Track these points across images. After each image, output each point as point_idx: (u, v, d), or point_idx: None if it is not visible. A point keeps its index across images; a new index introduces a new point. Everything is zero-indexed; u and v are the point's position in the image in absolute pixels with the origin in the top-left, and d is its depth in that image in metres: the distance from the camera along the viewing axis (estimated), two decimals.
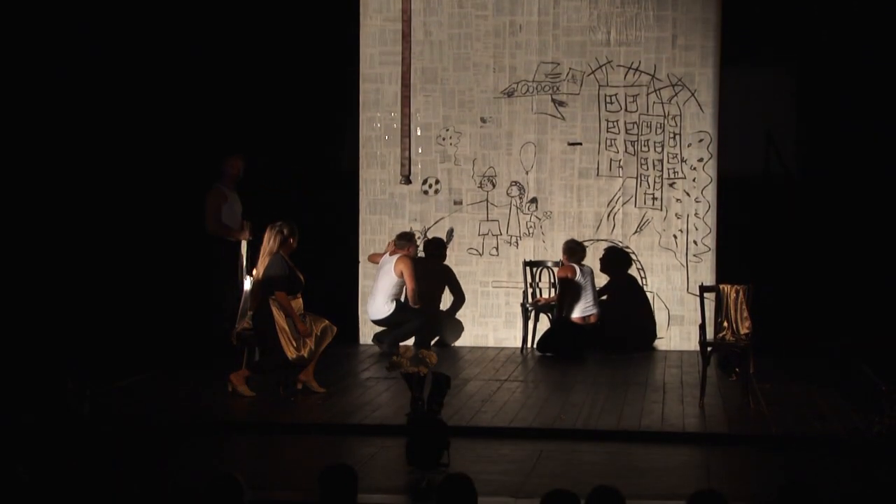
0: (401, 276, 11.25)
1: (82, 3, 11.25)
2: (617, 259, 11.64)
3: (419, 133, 12.02)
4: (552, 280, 11.65)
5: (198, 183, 11.26)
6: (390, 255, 11.40)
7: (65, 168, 11.33)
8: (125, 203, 11.55)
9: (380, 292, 11.31)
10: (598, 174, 11.83)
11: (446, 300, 11.97)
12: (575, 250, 11.40)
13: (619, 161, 11.76)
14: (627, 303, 11.54)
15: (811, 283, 11.51)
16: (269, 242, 9.22)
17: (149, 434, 8.27)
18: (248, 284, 9.57)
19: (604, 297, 11.58)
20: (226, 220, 10.94)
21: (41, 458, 7.37)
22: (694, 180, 11.65)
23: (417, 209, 12.00)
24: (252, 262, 10.00)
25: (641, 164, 11.71)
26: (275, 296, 9.13)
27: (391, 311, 11.29)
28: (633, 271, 11.69)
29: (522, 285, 11.64)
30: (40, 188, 11.17)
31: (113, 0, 11.43)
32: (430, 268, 11.66)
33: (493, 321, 11.88)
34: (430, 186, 12.03)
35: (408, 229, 11.77)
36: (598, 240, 11.79)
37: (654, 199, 11.64)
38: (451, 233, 11.99)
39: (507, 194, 11.86)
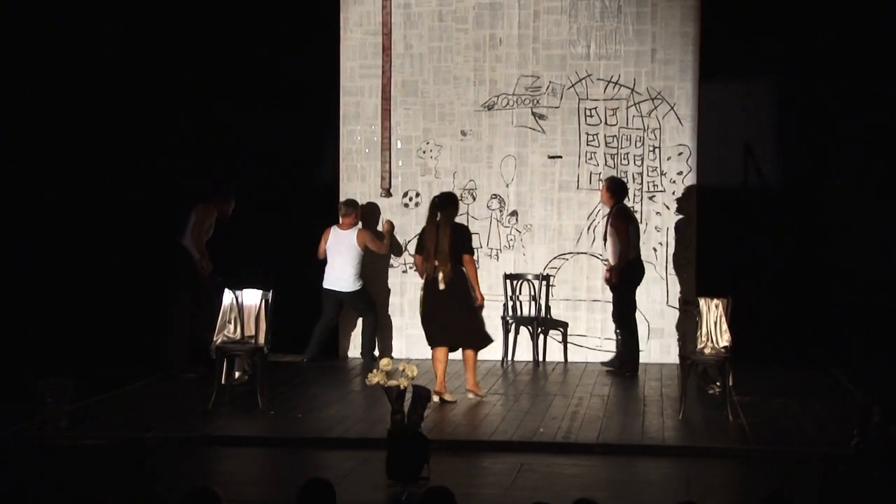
0: (365, 248, 11.49)
1: (63, 12, 11.23)
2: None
3: (399, 146, 12.02)
4: (532, 293, 11.64)
5: (167, 193, 11.21)
6: (340, 228, 11.56)
7: (35, 178, 11.29)
8: (98, 214, 11.50)
9: (348, 265, 11.49)
10: (578, 187, 11.84)
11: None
12: (624, 188, 11.08)
13: (600, 174, 11.77)
14: None
15: (791, 296, 11.52)
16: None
17: (128, 447, 8.23)
18: (226, 298, 9.53)
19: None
20: (204, 240, 10.87)
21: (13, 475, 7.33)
22: (673, 193, 11.68)
23: (398, 222, 11.98)
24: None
25: (622, 178, 11.71)
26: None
27: (360, 287, 11.56)
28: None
29: (503, 298, 11.63)
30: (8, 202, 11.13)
31: (97, 12, 11.40)
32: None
33: None
34: (411, 199, 12.03)
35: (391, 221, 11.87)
36: (578, 253, 11.80)
37: (634, 211, 11.63)
38: None
39: (488, 207, 11.86)
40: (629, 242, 10.91)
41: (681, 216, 11.64)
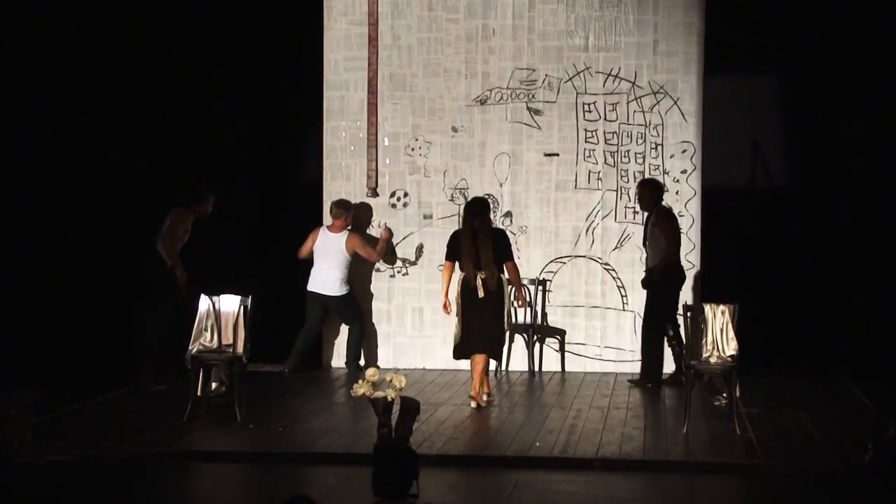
0: (353, 253, 11.53)
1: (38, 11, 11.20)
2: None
3: (387, 143, 12.02)
4: (528, 298, 11.64)
5: (140, 196, 11.20)
6: (330, 230, 11.58)
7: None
8: (65, 218, 11.45)
9: (334, 269, 11.54)
10: (576, 187, 11.85)
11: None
12: (662, 188, 11.14)
13: (599, 173, 11.78)
14: None
15: (801, 302, 11.54)
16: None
17: (101, 463, 8.21)
18: (202, 304, 9.53)
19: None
20: (178, 246, 10.86)
21: None
22: (677, 193, 11.69)
23: (385, 223, 11.98)
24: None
25: (622, 176, 11.74)
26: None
27: (347, 291, 11.61)
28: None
29: None
30: None
31: (57, 6, 11.36)
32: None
33: None
34: (399, 199, 12.03)
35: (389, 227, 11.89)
36: (576, 256, 11.80)
37: (635, 213, 11.65)
38: (420, 249, 11.99)
39: None
40: (677, 242, 10.90)
41: (684, 217, 11.63)
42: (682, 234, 11.29)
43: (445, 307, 10.25)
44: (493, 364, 11.39)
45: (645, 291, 11.11)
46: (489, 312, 9.97)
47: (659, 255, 10.84)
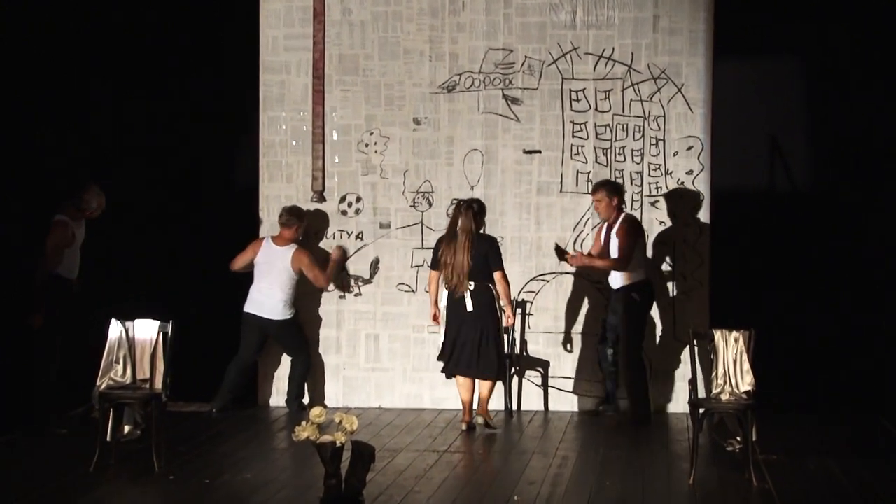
0: (300, 272, 11.58)
1: None
2: None
3: (335, 138, 12.01)
4: (512, 319, 11.61)
5: (31, 202, 11.14)
6: (276, 242, 11.63)
7: None
8: None
9: (277, 288, 11.60)
10: (561, 190, 11.85)
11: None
12: (623, 191, 11.42)
13: (588, 174, 11.79)
14: None
15: (828, 327, 11.57)
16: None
17: None
18: (113, 332, 9.46)
19: None
20: (67, 260, 10.86)
21: None
22: (682, 197, 11.70)
23: (333, 233, 11.94)
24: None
25: (616, 178, 11.73)
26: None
27: (291, 315, 11.66)
28: None
29: None
30: None
31: None
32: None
33: (430, 376, 11.82)
34: (350, 205, 12.01)
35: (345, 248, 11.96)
36: (561, 273, 11.79)
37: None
38: (375, 264, 11.96)
39: (447, 215, 11.83)
40: (633, 259, 11.10)
41: (690, 226, 11.64)
42: (684, 246, 11.41)
43: (435, 318, 10.98)
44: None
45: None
46: (478, 328, 10.73)
47: (640, 270, 11.14)
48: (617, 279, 11.22)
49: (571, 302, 11.81)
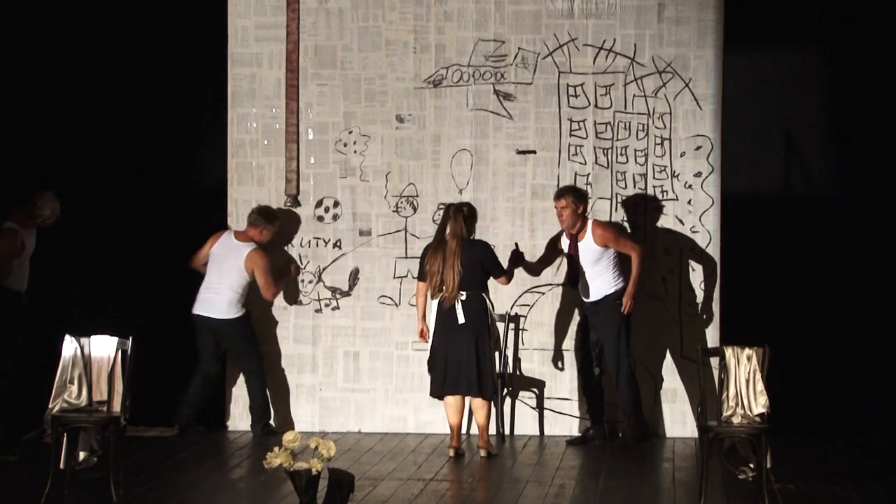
0: (252, 274, 11.61)
1: None
2: None
3: (311, 137, 12.00)
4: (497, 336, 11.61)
5: None
6: (236, 237, 11.68)
7: None
8: None
9: (224, 286, 11.63)
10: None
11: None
12: (587, 197, 11.45)
13: (588, 176, 11.78)
14: None
15: (849, 345, 11.57)
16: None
17: None
18: (67, 349, 9.41)
19: None
20: (15, 272, 10.86)
21: None
22: (689, 202, 11.71)
23: (309, 241, 11.90)
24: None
25: (617, 180, 11.74)
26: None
27: (239, 315, 11.65)
28: None
29: None
30: None
31: None
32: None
33: (414, 398, 11.82)
34: (327, 210, 11.99)
35: (299, 263, 11.94)
36: (557, 285, 11.76)
37: (634, 227, 11.67)
38: (355, 274, 11.93)
39: (434, 221, 11.81)
40: (617, 263, 11.18)
41: (699, 234, 11.63)
42: (691, 255, 11.43)
43: (422, 334, 10.97)
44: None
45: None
46: (470, 342, 10.70)
47: (620, 277, 11.16)
48: (598, 289, 11.19)
49: (560, 314, 11.80)
